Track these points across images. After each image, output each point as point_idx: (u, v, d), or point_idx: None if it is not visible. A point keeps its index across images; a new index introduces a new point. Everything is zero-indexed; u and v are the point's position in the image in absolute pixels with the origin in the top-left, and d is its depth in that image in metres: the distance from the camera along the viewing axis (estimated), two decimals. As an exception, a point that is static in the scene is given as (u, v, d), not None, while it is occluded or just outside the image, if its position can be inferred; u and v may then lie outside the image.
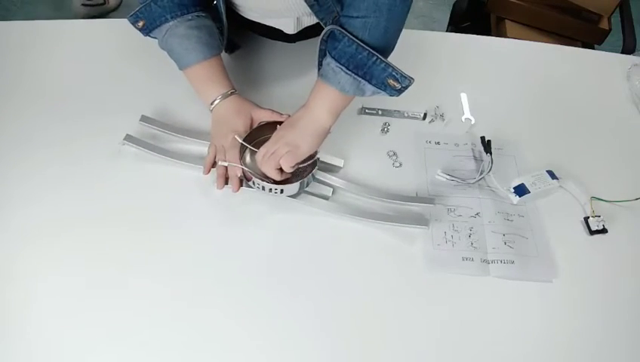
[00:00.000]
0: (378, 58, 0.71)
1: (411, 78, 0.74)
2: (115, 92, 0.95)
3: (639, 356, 0.70)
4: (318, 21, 0.84)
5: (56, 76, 0.97)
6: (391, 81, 0.73)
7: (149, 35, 0.84)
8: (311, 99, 0.77)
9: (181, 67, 0.83)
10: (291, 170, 0.76)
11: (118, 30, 1.07)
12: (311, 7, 0.80)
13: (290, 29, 0.91)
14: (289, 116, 0.81)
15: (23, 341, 0.66)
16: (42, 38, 1.04)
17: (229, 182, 0.80)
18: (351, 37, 0.71)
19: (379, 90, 0.75)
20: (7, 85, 0.95)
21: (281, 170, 0.76)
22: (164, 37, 0.81)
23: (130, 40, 1.05)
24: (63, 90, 0.94)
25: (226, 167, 0.80)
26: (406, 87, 0.75)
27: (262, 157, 0.76)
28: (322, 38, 0.76)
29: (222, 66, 0.85)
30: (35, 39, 1.04)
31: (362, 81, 0.73)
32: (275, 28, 0.92)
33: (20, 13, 2.31)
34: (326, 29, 0.74)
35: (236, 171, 0.79)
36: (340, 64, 0.72)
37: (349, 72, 0.72)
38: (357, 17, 0.71)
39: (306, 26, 0.93)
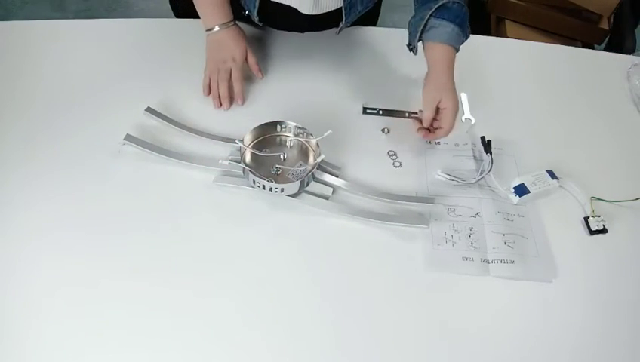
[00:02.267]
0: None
1: (470, 34, 0.88)
2: (115, 92, 0.95)
3: (639, 356, 0.70)
4: (334, 8, 0.91)
5: (56, 76, 0.97)
6: (466, 37, 0.87)
7: None
8: (444, 59, 0.85)
9: None
10: None
11: (118, 30, 1.08)
12: None
13: (307, 8, 0.92)
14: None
15: (23, 340, 0.66)
16: (42, 38, 1.04)
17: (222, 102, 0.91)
18: (464, 5, 0.85)
19: (458, 44, 0.87)
20: (7, 85, 0.95)
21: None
22: None
23: (130, 40, 1.05)
24: (63, 91, 0.94)
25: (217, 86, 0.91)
26: (465, 41, 0.88)
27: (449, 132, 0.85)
28: (431, 12, 0.84)
29: None
30: (35, 39, 1.04)
31: (463, 40, 0.87)
32: (290, 9, 0.93)
33: (20, 13, 2.31)
34: (439, 3, 0.83)
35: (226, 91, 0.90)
36: (462, 29, 0.84)
37: (464, 35, 0.86)
38: None
39: (323, 11, 0.94)
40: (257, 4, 0.93)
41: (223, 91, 0.90)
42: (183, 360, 0.66)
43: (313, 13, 0.93)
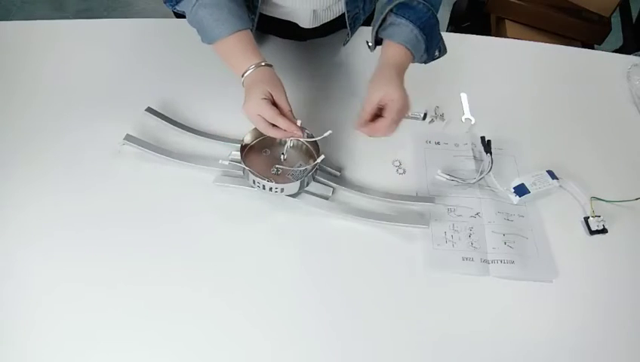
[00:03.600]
0: (439, 28, 0.80)
1: (447, 50, 0.82)
2: (115, 92, 0.95)
3: (639, 356, 0.70)
4: (334, 17, 0.88)
5: (56, 76, 0.97)
6: (436, 51, 0.81)
7: (176, 9, 0.82)
8: (399, 60, 0.78)
9: (212, 39, 0.78)
10: None
11: (118, 30, 1.08)
12: None
13: (306, 23, 0.92)
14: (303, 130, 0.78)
15: (22, 340, 0.66)
16: (42, 38, 1.04)
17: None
18: (434, 11, 0.79)
19: (425, 56, 0.81)
20: (7, 85, 0.95)
21: None
22: (193, 8, 0.78)
23: (130, 40, 1.05)
24: (63, 90, 0.94)
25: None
26: (438, 58, 0.82)
27: (392, 126, 0.76)
28: (390, 8, 0.79)
29: (252, 40, 0.79)
30: (35, 39, 1.04)
31: (425, 48, 0.80)
32: (290, 24, 0.92)
33: (20, 13, 2.31)
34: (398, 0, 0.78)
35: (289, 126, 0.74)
36: (424, 34, 0.78)
37: (426, 42, 0.79)
38: None
39: (322, 22, 0.93)
40: (256, 21, 0.89)
41: (282, 123, 0.74)
42: (182, 359, 0.66)
43: (313, 26, 0.93)
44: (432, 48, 0.81)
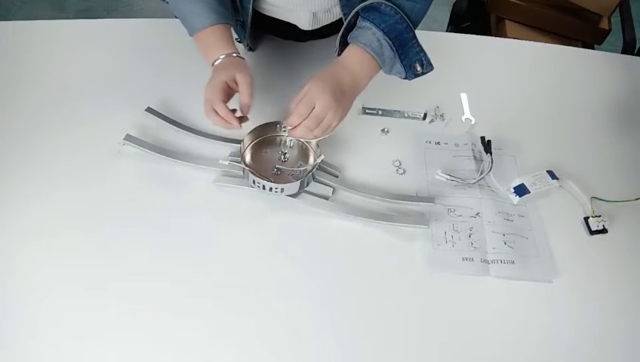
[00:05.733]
0: (417, 41, 0.76)
1: (433, 66, 0.77)
2: (115, 92, 0.95)
3: (639, 356, 0.70)
4: (333, 20, 0.86)
5: (56, 76, 0.97)
6: (417, 65, 0.77)
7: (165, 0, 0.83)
8: (352, 63, 0.76)
9: (190, 32, 0.80)
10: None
11: (118, 30, 1.08)
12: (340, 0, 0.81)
13: (305, 25, 0.91)
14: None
15: (22, 340, 0.66)
16: (42, 38, 1.04)
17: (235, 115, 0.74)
18: (404, 16, 0.73)
19: (403, 71, 0.78)
20: (7, 85, 0.95)
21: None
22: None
23: (130, 40, 1.05)
24: (63, 90, 0.94)
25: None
26: (424, 74, 0.78)
27: (305, 111, 0.71)
28: (356, 12, 0.77)
29: (230, 35, 0.80)
30: (35, 39, 1.04)
31: (397, 58, 0.76)
32: (289, 25, 0.92)
33: (20, 13, 2.31)
34: (367, 2, 0.76)
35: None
36: (389, 38, 0.74)
37: (393, 48, 0.74)
38: (407, 0, 0.75)
39: (322, 24, 0.93)
40: (249, 20, 0.88)
41: (222, 111, 0.74)
42: (182, 359, 0.66)
43: (313, 28, 0.93)
44: (407, 59, 0.77)
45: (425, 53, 0.77)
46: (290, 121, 0.73)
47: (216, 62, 0.77)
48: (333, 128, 0.74)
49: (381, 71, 0.80)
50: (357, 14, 0.79)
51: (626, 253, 0.79)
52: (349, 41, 0.78)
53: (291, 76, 0.99)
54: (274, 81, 0.98)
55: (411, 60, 0.77)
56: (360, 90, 0.78)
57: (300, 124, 0.72)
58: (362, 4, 0.76)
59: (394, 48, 0.75)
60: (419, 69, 0.77)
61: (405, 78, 0.79)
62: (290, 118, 0.73)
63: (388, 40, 0.74)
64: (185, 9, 0.79)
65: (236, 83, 0.75)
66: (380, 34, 0.74)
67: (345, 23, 0.79)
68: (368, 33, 0.75)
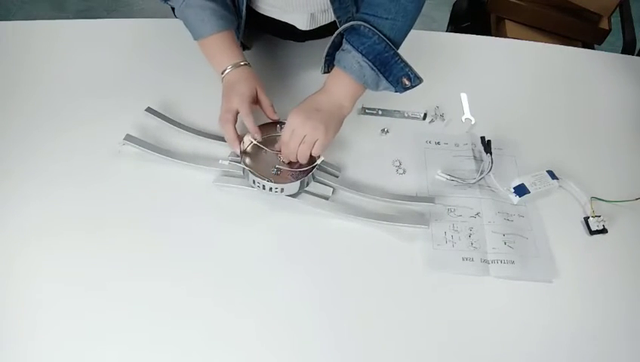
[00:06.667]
0: (400, 57, 0.77)
1: (421, 79, 0.78)
2: (115, 92, 0.95)
3: (639, 356, 0.70)
4: (331, 20, 0.87)
5: (56, 76, 0.97)
6: (404, 80, 0.78)
7: (169, 3, 0.86)
8: (332, 86, 0.79)
9: (195, 38, 0.83)
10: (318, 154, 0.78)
11: (118, 30, 1.08)
12: (332, 2, 0.83)
13: (303, 25, 0.92)
14: (280, 121, 0.83)
15: (22, 340, 0.66)
16: (42, 38, 1.04)
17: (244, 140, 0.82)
18: (382, 36, 0.75)
19: (391, 87, 0.79)
20: (7, 85, 0.95)
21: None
22: (181, 6, 0.81)
23: (130, 40, 1.05)
24: (63, 91, 0.94)
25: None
26: (414, 87, 0.79)
27: (289, 140, 0.76)
28: (340, 32, 0.79)
29: (234, 40, 0.84)
30: (35, 39, 1.04)
31: (381, 76, 0.77)
32: (287, 25, 0.92)
33: (20, 13, 2.31)
34: (348, 24, 0.77)
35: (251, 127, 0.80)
36: (368, 60, 0.76)
37: (374, 68, 0.76)
38: (386, 19, 0.75)
39: (319, 25, 0.93)
40: (243, 21, 0.89)
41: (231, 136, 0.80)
42: (182, 359, 0.66)
43: (310, 28, 0.93)
44: (392, 76, 0.78)
45: (410, 67, 0.78)
46: (287, 155, 0.80)
47: (226, 72, 0.82)
48: (323, 143, 0.77)
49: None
50: (341, 35, 0.81)
51: (626, 252, 0.79)
52: (334, 64, 0.80)
53: (291, 76, 0.99)
54: (274, 81, 0.98)
55: (397, 76, 0.78)
56: (346, 112, 0.80)
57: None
58: (344, 26, 0.78)
59: (375, 68, 0.76)
60: (407, 83, 0.78)
61: (397, 92, 0.80)
62: (284, 156, 0.80)
63: (367, 61, 0.76)
64: (190, 15, 0.81)
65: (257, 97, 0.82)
66: (359, 56, 0.76)
67: (329, 42, 0.82)
68: (348, 56, 0.77)
